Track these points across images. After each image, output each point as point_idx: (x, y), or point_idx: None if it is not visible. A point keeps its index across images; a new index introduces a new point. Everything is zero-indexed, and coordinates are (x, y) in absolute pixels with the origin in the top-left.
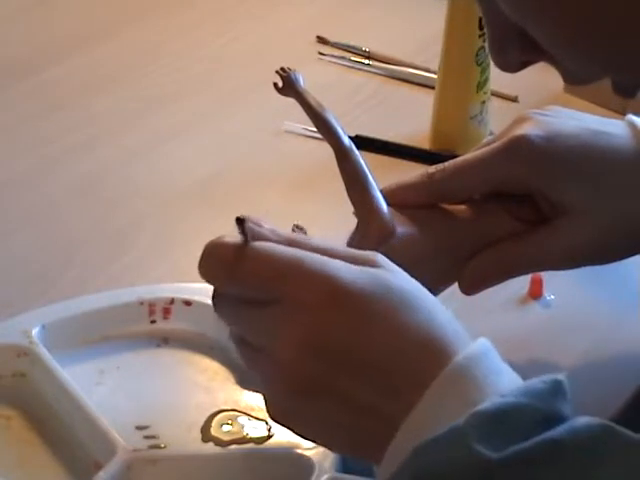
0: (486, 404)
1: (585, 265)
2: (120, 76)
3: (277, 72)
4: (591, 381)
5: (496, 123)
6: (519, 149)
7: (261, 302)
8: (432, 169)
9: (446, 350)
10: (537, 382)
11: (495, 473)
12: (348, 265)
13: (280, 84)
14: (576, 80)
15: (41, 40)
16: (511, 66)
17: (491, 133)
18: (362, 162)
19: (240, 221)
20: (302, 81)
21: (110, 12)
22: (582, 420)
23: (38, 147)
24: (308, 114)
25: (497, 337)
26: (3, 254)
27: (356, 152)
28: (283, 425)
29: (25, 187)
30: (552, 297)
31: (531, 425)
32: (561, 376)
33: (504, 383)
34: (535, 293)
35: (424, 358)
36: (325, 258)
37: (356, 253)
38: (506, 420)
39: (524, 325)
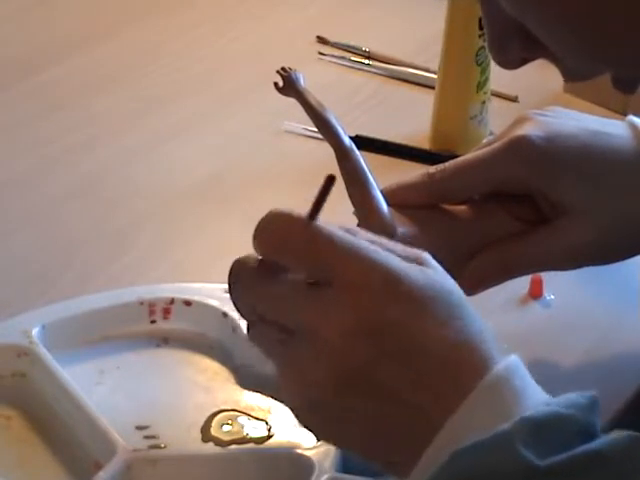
0: (532, 412)
1: (586, 265)
2: (120, 76)
3: (278, 72)
4: (591, 381)
5: (496, 123)
6: (519, 149)
7: (310, 283)
8: (432, 169)
9: (485, 359)
10: (577, 396)
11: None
12: (401, 260)
13: (281, 84)
14: (576, 76)
15: (41, 40)
16: (511, 63)
17: (491, 133)
18: (362, 162)
19: (330, 179)
20: (303, 81)
21: (110, 12)
22: (620, 433)
23: (38, 147)
24: (308, 114)
25: (497, 337)
26: (3, 254)
27: (356, 152)
28: (307, 424)
29: (25, 187)
30: (552, 297)
31: (572, 435)
32: (595, 393)
33: (538, 396)
34: (535, 293)
35: (464, 364)
36: (381, 250)
37: (408, 250)
38: (551, 428)
39: (524, 325)
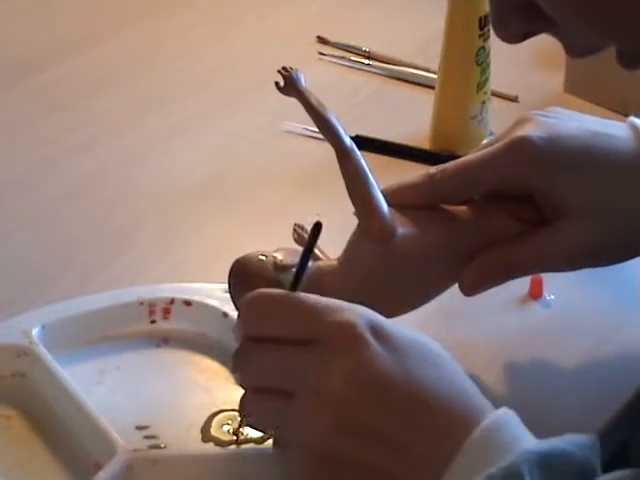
0: (535, 446)
1: (585, 267)
2: (120, 76)
3: (279, 71)
4: (591, 381)
5: (496, 123)
6: (520, 150)
7: (298, 344)
8: (433, 170)
9: (471, 418)
10: (576, 435)
11: None
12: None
13: (282, 83)
14: (580, 51)
15: (41, 40)
16: (513, 37)
17: (491, 133)
18: (363, 162)
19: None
20: (303, 80)
21: (110, 12)
22: (622, 472)
23: (38, 147)
24: (309, 113)
25: (497, 337)
26: (3, 254)
27: (357, 152)
28: (315, 474)
29: (25, 187)
30: (552, 297)
31: (573, 472)
32: (595, 435)
33: (533, 441)
34: (535, 293)
35: (462, 410)
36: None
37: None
38: (554, 463)
39: (524, 325)
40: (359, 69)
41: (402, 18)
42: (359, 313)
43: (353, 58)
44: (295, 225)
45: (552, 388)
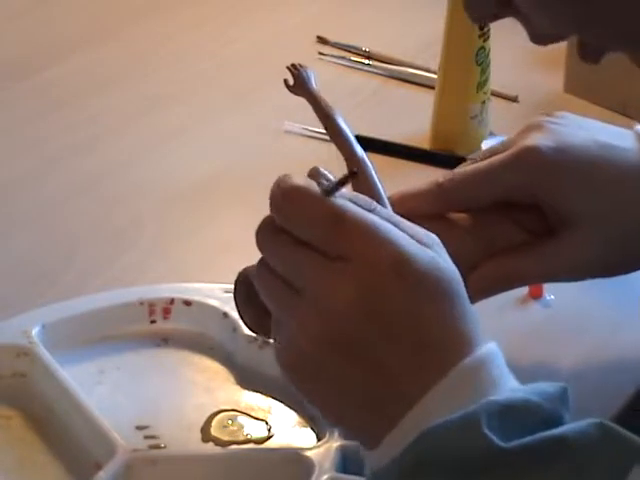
0: (498, 396)
1: (590, 278)
2: (120, 76)
3: (288, 68)
4: (591, 381)
5: (496, 123)
6: (529, 160)
7: (326, 251)
8: (441, 178)
9: (468, 344)
10: (546, 385)
11: (500, 461)
12: (413, 241)
13: (291, 82)
14: (543, 38)
15: (41, 40)
16: (484, 18)
17: (491, 133)
18: (374, 174)
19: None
20: (314, 80)
21: (110, 12)
22: (588, 421)
23: (38, 147)
24: (319, 117)
25: (497, 337)
26: (3, 254)
27: (368, 164)
28: (289, 374)
29: (25, 187)
30: (552, 297)
31: (537, 422)
32: (565, 385)
33: (510, 384)
34: (535, 293)
35: (449, 345)
36: (396, 229)
37: (421, 233)
38: (516, 413)
39: (524, 325)
40: (359, 69)
41: (402, 18)
42: (389, 250)
43: (353, 58)
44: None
45: None
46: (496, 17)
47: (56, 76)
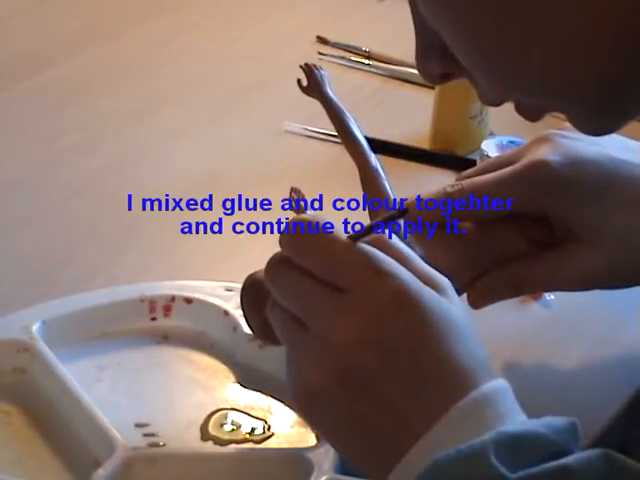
0: (508, 427)
1: (594, 289)
2: (121, 76)
3: (302, 67)
4: (591, 381)
5: (496, 123)
6: (538, 175)
7: (330, 285)
8: (449, 188)
9: (474, 381)
10: (555, 419)
11: None
12: (417, 279)
13: (304, 82)
14: (489, 99)
15: (41, 40)
16: (432, 77)
17: (491, 133)
18: (387, 184)
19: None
20: (328, 82)
21: (111, 12)
22: (594, 450)
23: (39, 147)
24: (332, 121)
25: (497, 337)
26: (4, 253)
27: (381, 173)
28: (302, 408)
29: (26, 186)
30: (552, 297)
31: (546, 454)
32: (575, 419)
33: (519, 418)
34: (535, 293)
35: (453, 381)
36: (399, 265)
37: (428, 272)
38: (525, 444)
39: (524, 325)
40: (359, 69)
41: (402, 18)
42: (391, 283)
43: (353, 58)
44: (292, 189)
45: (552, 388)
46: (446, 77)
47: (57, 76)
